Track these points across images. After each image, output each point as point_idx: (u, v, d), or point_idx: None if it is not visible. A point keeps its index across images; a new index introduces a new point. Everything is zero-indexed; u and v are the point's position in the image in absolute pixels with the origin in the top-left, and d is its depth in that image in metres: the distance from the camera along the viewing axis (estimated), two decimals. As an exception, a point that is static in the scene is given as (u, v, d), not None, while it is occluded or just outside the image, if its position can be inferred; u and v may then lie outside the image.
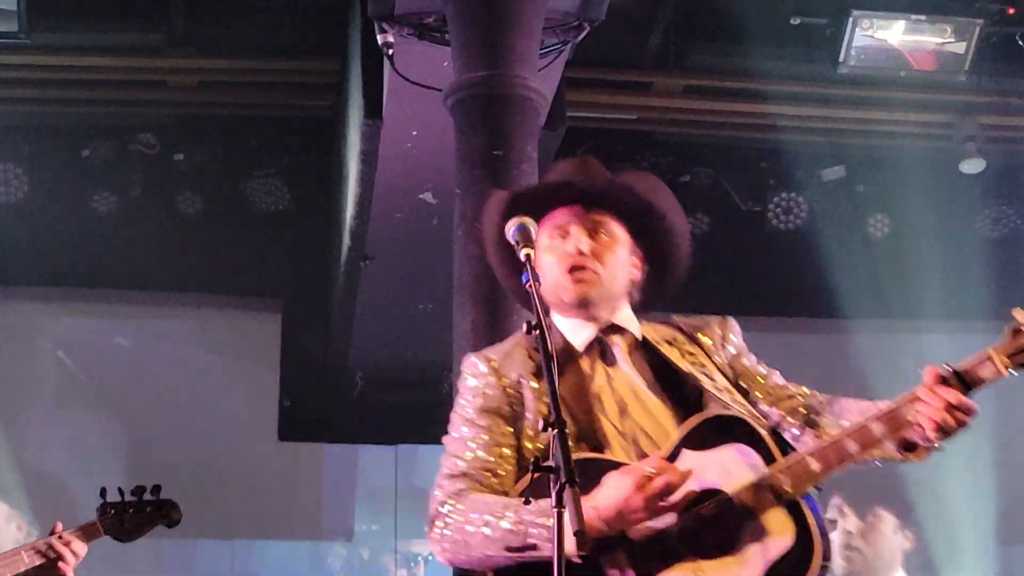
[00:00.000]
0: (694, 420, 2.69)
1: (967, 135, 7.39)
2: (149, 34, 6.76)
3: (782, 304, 7.91)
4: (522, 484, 2.67)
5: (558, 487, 2.27)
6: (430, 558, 8.37)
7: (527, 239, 2.72)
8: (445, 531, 2.69)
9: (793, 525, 2.57)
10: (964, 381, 2.54)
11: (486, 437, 2.76)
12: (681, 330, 2.94)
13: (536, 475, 2.33)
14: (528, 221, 2.75)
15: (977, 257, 7.62)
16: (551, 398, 2.40)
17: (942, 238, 7.55)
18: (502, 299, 4.28)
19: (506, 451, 2.75)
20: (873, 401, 2.67)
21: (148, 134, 7.39)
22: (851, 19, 6.52)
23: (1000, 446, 7.34)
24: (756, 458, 2.62)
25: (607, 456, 2.66)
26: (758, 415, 2.77)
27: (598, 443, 2.71)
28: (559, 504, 2.26)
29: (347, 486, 8.28)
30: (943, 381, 2.54)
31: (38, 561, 3.90)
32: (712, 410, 2.72)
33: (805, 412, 2.78)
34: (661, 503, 2.52)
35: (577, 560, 2.40)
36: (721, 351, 2.90)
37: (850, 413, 2.70)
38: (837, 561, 4.83)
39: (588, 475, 2.50)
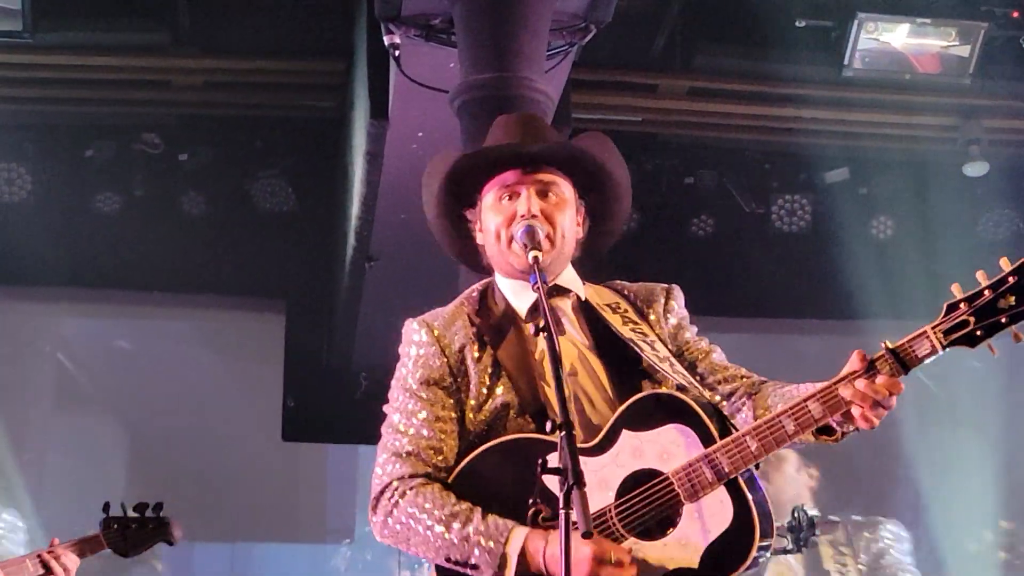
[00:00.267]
0: (633, 399, 2.68)
1: (971, 138, 7.40)
2: (153, 34, 6.76)
3: (786, 306, 7.90)
4: (468, 459, 2.70)
5: (565, 489, 2.28)
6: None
7: (535, 242, 2.72)
8: (388, 519, 2.70)
9: (732, 504, 2.57)
10: (900, 359, 2.53)
11: (428, 411, 2.76)
12: (625, 296, 2.93)
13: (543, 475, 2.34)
14: (536, 223, 2.75)
15: (980, 260, 7.59)
16: (558, 400, 2.41)
17: (945, 240, 7.55)
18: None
19: (448, 426, 2.75)
20: (812, 383, 2.65)
21: (152, 134, 7.38)
22: (856, 22, 6.54)
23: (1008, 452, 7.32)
24: (695, 438, 2.62)
25: (545, 437, 2.58)
26: (701, 390, 2.76)
27: (541, 410, 2.70)
28: (567, 505, 2.27)
29: (350, 487, 8.25)
30: (872, 364, 2.54)
31: (41, 571, 3.96)
32: (649, 387, 2.73)
33: (746, 391, 2.79)
34: None
35: None
36: (664, 322, 2.90)
37: (788, 393, 2.69)
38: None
39: (525, 455, 2.52)
